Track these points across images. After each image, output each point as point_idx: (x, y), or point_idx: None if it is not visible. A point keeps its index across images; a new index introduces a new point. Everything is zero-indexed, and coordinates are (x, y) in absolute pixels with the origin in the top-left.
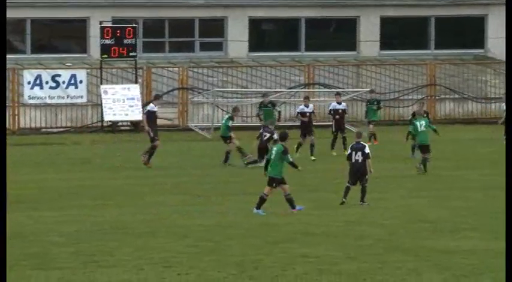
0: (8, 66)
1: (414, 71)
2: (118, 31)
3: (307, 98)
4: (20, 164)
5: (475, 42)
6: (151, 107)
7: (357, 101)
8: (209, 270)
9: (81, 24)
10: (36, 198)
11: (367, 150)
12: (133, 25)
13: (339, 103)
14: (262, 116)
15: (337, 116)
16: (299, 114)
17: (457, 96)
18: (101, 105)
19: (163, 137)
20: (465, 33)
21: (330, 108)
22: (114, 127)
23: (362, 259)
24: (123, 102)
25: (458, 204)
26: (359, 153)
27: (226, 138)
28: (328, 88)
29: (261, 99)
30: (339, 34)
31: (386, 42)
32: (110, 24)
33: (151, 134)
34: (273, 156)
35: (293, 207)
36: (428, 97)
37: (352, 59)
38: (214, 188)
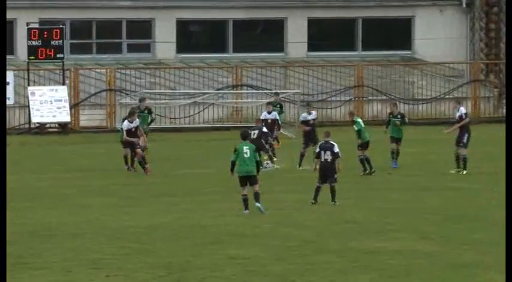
0: None
1: (342, 73)
2: (45, 32)
3: (309, 105)
4: None
5: (402, 44)
6: (126, 125)
7: (285, 102)
8: (137, 272)
9: (8, 26)
10: None
11: (336, 149)
12: (61, 26)
13: (269, 113)
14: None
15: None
16: (302, 123)
17: (384, 97)
18: (29, 106)
19: (90, 139)
20: (392, 34)
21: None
22: (41, 129)
23: (290, 260)
24: (51, 103)
25: (383, 205)
26: (328, 152)
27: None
28: (256, 89)
29: (188, 101)
30: (266, 35)
31: (314, 44)
32: (37, 26)
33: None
34: (248, 155)
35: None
36: (356, 98)
37: (280, 61)
38: (143, 190)
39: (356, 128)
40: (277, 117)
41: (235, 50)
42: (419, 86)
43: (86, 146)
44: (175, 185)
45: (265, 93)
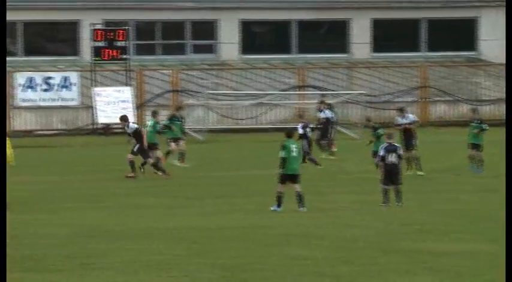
0: None
1: (406, 73)
2: (110, 33)
3: (401, 109)
4: (11, 167)
5: (467, 45)
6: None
7: (349, 103)
8: (201, 273)
9: (73, 27)
10: (27, 200)
11: (400, 151)
12: (125, 27)
13: (321, 111)
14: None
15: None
16: (395, 126)
17: (449, 98)
18: (94, 107)
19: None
20: (457, 35)
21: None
22: (106, 129)
23: (355, 262)
24: (116, 104)
25: (449, 206)
26: (393, 154)
27: (155, 145)
28: (320, 90)
29: (253, 102)
30: (330, 36)
31: (378, 45)
32: (101, 27)
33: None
34: (295, 153)
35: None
36: (421, 99)
37: (344, 61)
38: (204, 191)
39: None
40: (329, 116)
41: (299, 51)
42: (483, 87)
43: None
44: (237, 185)
45: (329, 94)
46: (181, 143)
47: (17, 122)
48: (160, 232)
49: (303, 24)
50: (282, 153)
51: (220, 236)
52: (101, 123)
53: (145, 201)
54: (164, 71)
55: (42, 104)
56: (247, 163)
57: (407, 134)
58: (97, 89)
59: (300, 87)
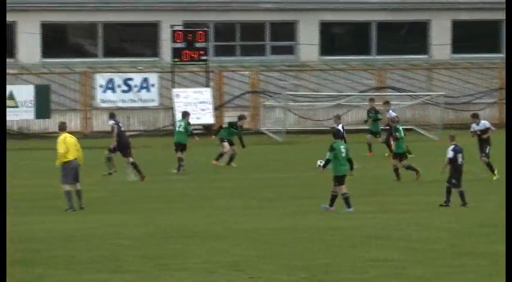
0: (80, 69)
1: (486, 75)
2: (189, 35)
3: (475, 115)
4: (91, 167)
5: None
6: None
7: (429, 104)
8: (279, 274)
9: (153, 28)
10: (104, 201)
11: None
12: (205, 29)
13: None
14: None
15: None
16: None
17: None
18: (173, 108)
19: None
20: None
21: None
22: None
23: (431, 263)
24: (195, 105)
25: None
26: (461, 155)
27: (183, 145)
28: (399, 92)
29: (332, 103)
30: (410, 37)
31: (458, 46)
32: (181, 28)
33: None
34: (344, 154)
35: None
36: (500, 101)
37: (424, 63)
38: (282, 192)
39: (398, 136)
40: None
41: (378, 52)
42: None
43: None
44: (315, 187)
45: (408, 95)
46: (234, 147)
47: (96, 122)
48: (235, 233)
49: (383, 26)
50: (329, 155)
51: (294, 238)
52: None
53: (220, 202)
54: (243, 72)
55: (121, 105)
56: None
57: (481, 141)
58: (176, 90)
59: (378, 89)
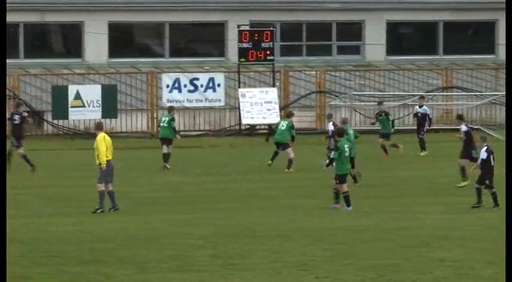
0: (146, 69)
1: None
2: (256, 34)
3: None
4: (158, 167)
5: None
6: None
7: (496, 104)
8: (346, 274)
9: (219, 28)
10: (171, 201)
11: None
12: (271, 29)
13: (420, 106)
14: (378, 124)
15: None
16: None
17: None
18: (239, 108)
19: (300, 141)
20: None
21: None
22: (252, 131)
23: (500, 263)
24: (261, 105)
25: None
26: (492, 156)
27: (169, 140)
28: (466, 91)
29: (398, 103)
30: (477, 37)
31: None
32: (247, 28)
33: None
34: (348, 153)
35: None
36: None
37: (491, 62)
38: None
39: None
40: (428, 112)
41: (445, 52)
42: None
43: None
44: (383, 187)
45: (475, 95)
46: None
47: None
48: (303, 233)
49: (449, 25)
50: (334, 154)
51: (360, 238)
52: (246, 124)
53: (288, 202)
54: (309, 72)
55: (187, 105)
56: (395, 163)
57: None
58: (242, 90)
59: (445, 88)
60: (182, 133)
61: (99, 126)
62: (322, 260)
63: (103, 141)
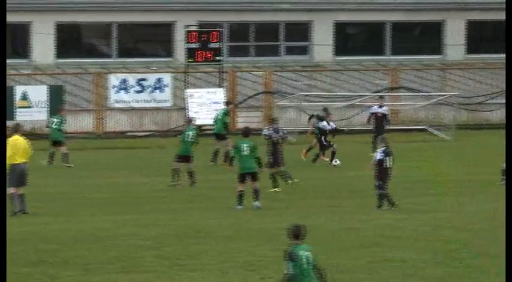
0: (94, 70)
1: (500, 75)
2: (203, 35)
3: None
4: (104, 167)
5: None
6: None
7: (442, 105)
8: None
9: (167, 28)
10: (117, 202)
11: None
12: (219, 29)
13: (380, 106)
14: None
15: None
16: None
17: None
18: (186, 109)
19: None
20: None
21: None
22: (199, 131)
23: (449, 264)
24: (209, 106)
25: None
26: (389, 158)
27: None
28: (413, 92)
29: (345, 103)
30: (424, 38)
31: (473, 46)
32: (195, 28)
33: None
34: (246, 152)
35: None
36: None
37: (438, 63)
38: (292, 192)
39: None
40: (387, 113)
41: (392, 52)
42: None
43: None
44: (337, 186)
45: (422, 95)
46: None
47: (109, 123)
48: (249, 233)
49: (397, 26)
50: (232, 152)
51: (311, 237)
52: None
53: (231, 203)
54: (257, 73)
55: (135, 105)
56: (342, 164)
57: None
58: (190, 91)
59: (392, 89)
60: (129, 134)
61: (15, 128)
62: (269, 260)
63: (9, 146)
